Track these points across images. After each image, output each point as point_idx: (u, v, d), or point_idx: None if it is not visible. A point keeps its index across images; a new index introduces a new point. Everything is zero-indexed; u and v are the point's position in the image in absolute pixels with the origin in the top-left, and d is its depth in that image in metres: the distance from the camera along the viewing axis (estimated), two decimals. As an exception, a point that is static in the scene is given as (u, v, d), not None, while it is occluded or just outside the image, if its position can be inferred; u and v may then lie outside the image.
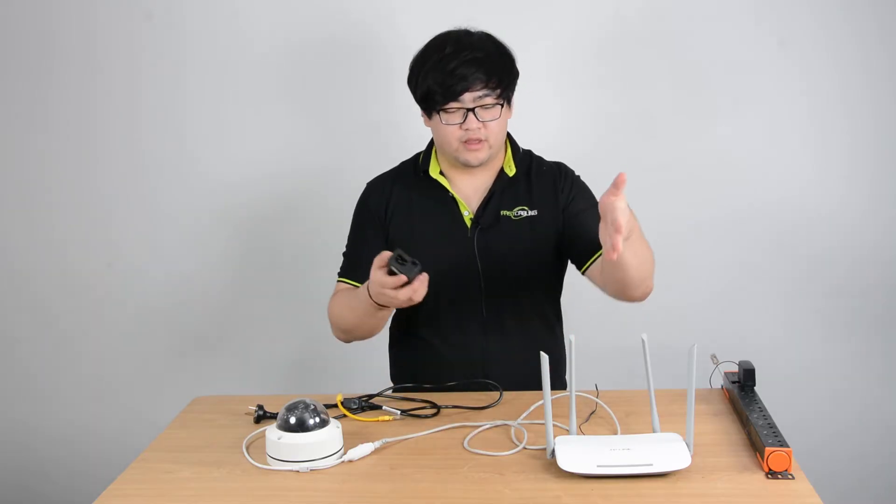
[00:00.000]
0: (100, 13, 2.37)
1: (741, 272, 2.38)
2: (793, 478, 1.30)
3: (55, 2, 2.37)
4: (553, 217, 1.76)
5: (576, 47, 2.31)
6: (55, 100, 2.43)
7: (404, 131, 2.11)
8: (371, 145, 2.33)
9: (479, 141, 1.68)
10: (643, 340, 1.38)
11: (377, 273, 1.52)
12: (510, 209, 1.76)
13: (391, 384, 1.90)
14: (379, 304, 1.59)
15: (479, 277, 1.75)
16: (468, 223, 1.76)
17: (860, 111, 2.29)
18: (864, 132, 2.30)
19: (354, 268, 1.81)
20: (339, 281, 1.84)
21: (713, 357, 1.65)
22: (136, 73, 2.40)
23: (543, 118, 2.31)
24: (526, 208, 1.76)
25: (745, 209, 2.35)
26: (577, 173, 1.83)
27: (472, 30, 1.71)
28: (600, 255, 1.68)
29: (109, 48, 2.39)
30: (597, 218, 1.68)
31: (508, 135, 1.81)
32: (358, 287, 1.78)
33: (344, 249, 1.86)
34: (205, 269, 2.50)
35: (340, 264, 1.85)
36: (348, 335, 1.79)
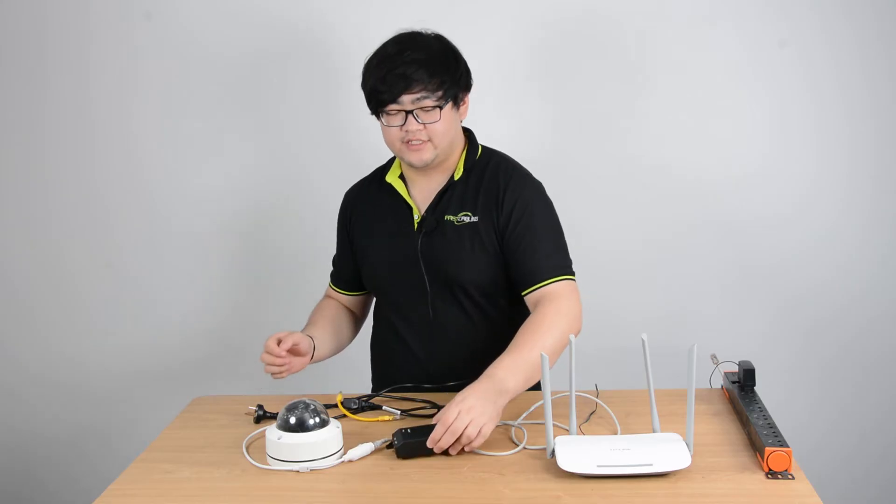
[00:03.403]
0: (98, 13, 2.37)
1: (741, 272, 2.38)
2: (793, 478, 1.30)
3: (53, 1, 2.37)
4: (493, 227, 1.71)
5: (575, 47, 2.30)
6: (53, 100, 2.43)
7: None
8: (369, 148, 2.32)
9: (421, 142, 1.65)
10: (643, 340, 1.38)
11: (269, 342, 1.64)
12: (454, 214, 1.72)
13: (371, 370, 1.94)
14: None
15: (423, 281, 1.73)
16: (415, 227, 1.75)
17: (860, 111, 2.28)
18: (864, 132, 2.30)
19: (335, 274, 1.95)
20: (329, 284, 1.97)
21: (713, 357, 1.65)
22: (135, 73, 2.39)
23: (541, 117, 2.32)
24: (469, 213, 1.72)
25: (745, 209, 2.35)
26: (535, 187, 1.74)
27: (424, 31, 1.68)
28: (535, 289, 1.64)
29: (108, 48, 2.38)
30: (532, 247, 1.67)
31: (470, 135, 1.78)
32: (338, 292, 1.94)
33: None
34: (204, 269, 2.50)
35: None
36: None
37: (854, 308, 2.38)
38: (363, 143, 2.34)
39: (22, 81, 2.42)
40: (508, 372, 1.48)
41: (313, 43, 2.35)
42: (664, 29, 2.27)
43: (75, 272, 2.52)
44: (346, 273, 1.90)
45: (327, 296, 1.96)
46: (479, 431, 1.39)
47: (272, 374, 1.66)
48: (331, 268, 1.96)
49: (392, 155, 1.83)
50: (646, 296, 2.38)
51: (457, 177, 1.73)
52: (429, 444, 1.40)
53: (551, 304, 1.60)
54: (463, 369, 1.62)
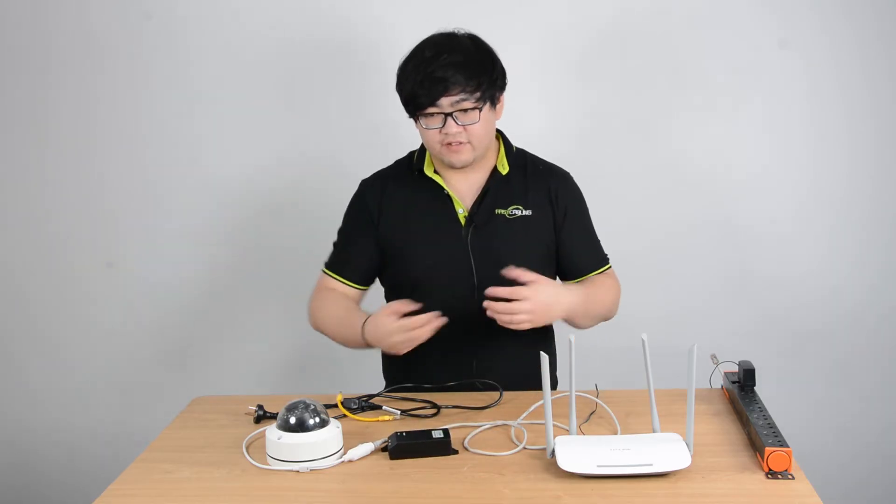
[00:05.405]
0: (99, 13, 2.37)
1: (741, 272, 2.38)
2: (793, 478, 1.30)
3: (54, 2, 2.37)
4: (547, 221, 1.78)
5: (576, 47, 2.30)
6: (54, 100, 2.43)
7: (403, 131, 2.10)
8: (370, 146, 2.33)
9: (461, 143, 1.67)
10: (643, 340, 1.38)
11: (388, 319, 1.59)
12: (505, 207, 1.76)
13: (384, 380, 1.90)
14: (368, 344, 1.67)
15: (472, 275, 1.74)
16: (462, 221, 1.75)
17: (860, 111, 2.29)
18: (864, 132, 2.30)
19: (341, 264, 1.83)
20: (323, 272, 1.85)
21: (713, 357, 1.65)
22: (136, 72, 2.40)
23: (544, 118, 2.32)
24: (520, 207, 1.76)
25: (745, 209, 2.35)
26: (575, 183, 1.84)
27: (459, 32, 1.69)
28: (584, 278, 1.81)
29: (109, 48, 2.39)
30: (585, 242, 1.82)
31: (501, 133, 1.81)
32: (342, 283, 1.82)
33: (335, 240, 1.86)
34: (205, 269, 2.50)
35: (329, 254, 1.85)
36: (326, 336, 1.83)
37: (854, 308, 2.39)
38: (363, 143, 2.35)
39: (23, 81, 2.43)
40: (580, 307, 1.68)
41: (315, 42, 2.35)
42: (663, 29, 2.28)
43: (76, 271, 2.52)
44: (363, 265, 1.82)
45: (328, 288, 1.83)
46: (519, 321, 1.57)
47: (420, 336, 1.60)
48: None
49: (412, 150, 1.85)
50: (646, 296, 2.37)
51: (504, 171, 1.77)
52: (488, 291, 1.57)
53: (604, 283, 1.81)
54: (508, 361, 1.70)
